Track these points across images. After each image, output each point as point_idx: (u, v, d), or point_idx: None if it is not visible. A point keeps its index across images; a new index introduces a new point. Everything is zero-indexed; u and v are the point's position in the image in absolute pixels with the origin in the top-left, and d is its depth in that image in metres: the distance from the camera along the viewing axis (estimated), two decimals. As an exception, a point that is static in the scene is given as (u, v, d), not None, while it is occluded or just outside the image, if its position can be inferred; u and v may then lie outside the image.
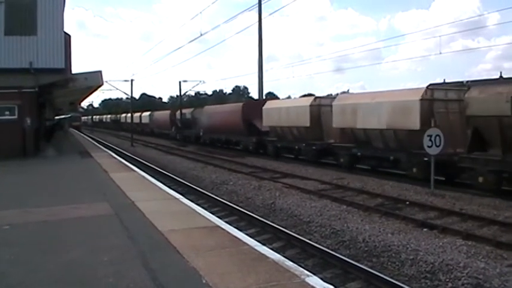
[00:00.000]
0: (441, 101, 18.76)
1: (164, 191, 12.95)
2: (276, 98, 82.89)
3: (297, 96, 74.15)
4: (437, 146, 15.91)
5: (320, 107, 26.24)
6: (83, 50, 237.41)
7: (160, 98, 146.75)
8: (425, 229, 11.68)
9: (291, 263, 6.43)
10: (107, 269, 6.09)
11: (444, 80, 23.68)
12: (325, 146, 25.29)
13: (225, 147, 39.86)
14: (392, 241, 10.51)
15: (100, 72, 26.73)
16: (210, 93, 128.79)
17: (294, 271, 5.94)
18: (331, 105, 24.13)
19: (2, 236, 7.96)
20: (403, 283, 8.03)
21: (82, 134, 66.75)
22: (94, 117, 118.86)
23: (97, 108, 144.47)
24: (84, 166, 19.85)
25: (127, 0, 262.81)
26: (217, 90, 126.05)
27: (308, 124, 26.31)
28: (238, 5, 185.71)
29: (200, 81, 59.66)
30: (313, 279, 5.69)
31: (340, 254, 9.70)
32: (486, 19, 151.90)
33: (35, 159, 22.33)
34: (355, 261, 9.26)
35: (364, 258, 9.82)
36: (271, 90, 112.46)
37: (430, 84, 20.24)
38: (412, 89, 20.47)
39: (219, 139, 40.57)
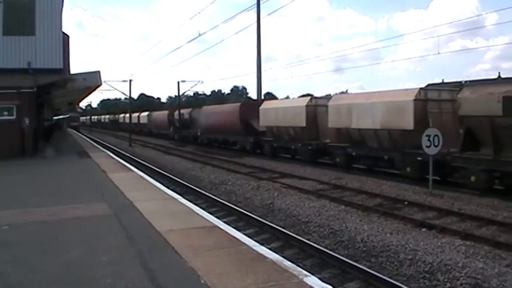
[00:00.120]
0: (435, 101, 18.99)
1: (163, 191, 12.94)
2: (275, 98, 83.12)
3: (296, 96, 74.22)
4: (436, 146, 15.94)
5: (316, 107, 26.52)
6: (81, 50, 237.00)
7: (158, 98, 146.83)
8: (423, 229, 11.69)
9: (290, 263, 6.43)
10: (105, 269, 6.09)
11: (443, 80, 23.73)
12: (321, 145, 25.51)
13: (222, 147, 39.98)
14: (390, 241, 10.51)
15: (98, 72, 26.70)
16: (208, 93, 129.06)
17: (293, 271, 5.94)
18: (327, 106, 24.34)
19: (1, 236, 7.95)
20: (401, 283, 8.03)
21: (80, 134, 66.69)
22: (92, 117, 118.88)
23: (95, 108, 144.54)
24: (83, 166, 19.84)
25: (125, 0, 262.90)
26: (216, 91, 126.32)
27: (304, 124, 26.57)
28: (236, 5, 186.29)
29: (199, 82, 59.54)
30: (312, 279, 5.69)
31: (339, 254, 9.70)
32: (484, 19, 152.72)
33: (33, 159, 22.31)
34: (354, 261, 9.27)
35: (362, 258, 9.82)
36: (270, 91, 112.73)
37: (429, 85, 20.32)
38: (406, 89, 20.69)
39: (216, 139, 40.75)
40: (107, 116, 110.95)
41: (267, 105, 32.63)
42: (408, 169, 18.96)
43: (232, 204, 15.17)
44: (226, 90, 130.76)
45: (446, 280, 8.30)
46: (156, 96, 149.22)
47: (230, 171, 23.76)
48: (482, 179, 15.74)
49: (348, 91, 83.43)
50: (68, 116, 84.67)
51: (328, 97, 28.16)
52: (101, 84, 29.80)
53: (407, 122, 18.73)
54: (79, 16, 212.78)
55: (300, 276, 5.73)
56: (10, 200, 11.44)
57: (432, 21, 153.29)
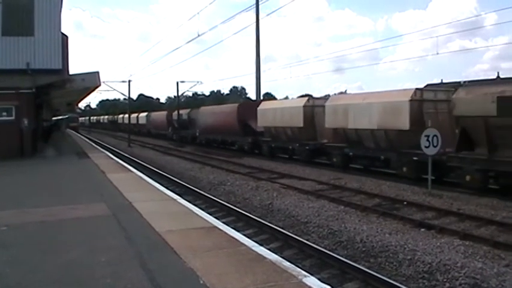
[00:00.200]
0: (430, 102, 19.14)
1: (162, 191, 12.94)
2: (274, 98, 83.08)
3: (295, 96, 74.24)
4: (435, 147, 15.96)
5: (313, 107, 26.68)
6: (80, 50, 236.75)
7: (157, 99, 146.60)
8: (422, 229, 11.70)
9: (289, 263, 6.43)
10: (104, 269, 6.09)
11: (441, 80, 23.75)
12: (319, 146, 25.71)
13: (221, 147, 40.09)
14: (389, 241, 10.52)
15: (97, 73, 26.66)
16: (207, 93, 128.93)
17: (292, 271, 5.94)
18: (324, 106, 24.52)
19: (0, 237, 7.94)
20: (400, 283, 8.03)
21: (79, 135, 66.66)
22: (91, 118, 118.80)
23: (94, 109, 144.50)
24: (82, 167, 19.83)
25: (124, 0, 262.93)
26: (215, 91, 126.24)
27: (301, 124, 26.76)
28: (235, 6, 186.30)
29: (198, 82, 59.74)
30: (311, 280, 5.69)
31: (338, 255, 9.70)
32: (483, 19, 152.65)
33: (32, 160, 22.29)
34: (353, 261, 9.27)
35: (361, 259, 9.82)
36: (269, 91, 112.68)
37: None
38: (402, 89, 20.84)
39: (215, 139, 40.88)
40: (106, 117, 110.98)
41: (264, 105, 32.83)
42: (404, 169, 19.12)
43: (231, 204, 15.16)
44: (226, 90, 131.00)
45: (445, 280, 8.31)
46: (155, 97, 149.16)
47: (229, 172, 23.77)
48: (477, 178, 15.91)
49: (347, 91, 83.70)
50: (66, 116, 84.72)
51: (326, 97, 28.34)
52: (99, 85, 29.76)
53: (403, 122, 18.92)
54: (78, 17, 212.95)
55: (299, 277, 5.73)
56: (9, 200, 11.43)
57: (431, 22, 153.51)
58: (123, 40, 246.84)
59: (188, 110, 50.70)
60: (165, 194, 12.53)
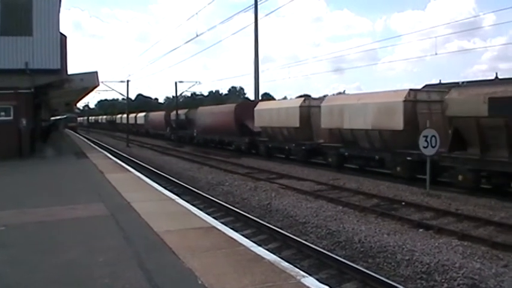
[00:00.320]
0: (424, 102, 19.37)
1: (160, 191, 12.93)
2: (273, 98, 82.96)
3: (294, 97, 74.24)
4: (433, 147, 15.99)
5: (310, 108, 26.97)
6: (78, 50, 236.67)
7: (156, 99, 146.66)
8: (421, 230, 11.71)
9: (287, 263, 6.44)
10: (103, 269, 6.09)
11: (440, 80, 23.83)
12: (315, 146, 25.92)
13: (218, 147, 40.19)
14: (388, 242, 10.53)
15: (96, 73, 26.68)
16: (206, 94, 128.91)
17: (290, 272, 5.94)
18: (320, 107, 24.79)
19: (-2, 237, 7.95)
20: (398, 284, 8.04)
21: (78, 135, 66.60)
22: (90, 118, 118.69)
23: (93, 109, 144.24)
24: (80, 167, 19.82)
25: (123, 0, 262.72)
26: (214, 91, 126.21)
27: (298, 125, 27.03)
28: (234, 6, 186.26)
29: (196, 82, 59.77)
30: (309, 280, 5.69)
31: (336, 255, 9.70)
32: (482, 20, 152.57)
33: (30, 160, 22.26)
34: (351, 261, 9.28)
35: (359, 259, 9.83)
36: (268, 91, 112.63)
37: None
38: (396, 90, 21.01)
39: (212, 139, 41.04)
40: (104, 117, 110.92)
41: (261, 106, 33.08)
42: (398, 169, 19.38)
43: (230, 204, 15.16)
44: (224, 90, 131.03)
45: (443, 281, 8.32)
46: (153, 97, 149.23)
47: (227, 172, 23.78)
48: (469, 178, 16.10)
49: (346, 92, 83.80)
50: (65, 116, 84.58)
51: (322, 98, 28.61)
52: (98, 85, 29.82)
53: (397, 122, 19.19)
54: (77, 16, 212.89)
55: (298, 277, 5.73)
56: (7, 200, 11.42)
57: (430, 22, 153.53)
58: (122, 40, 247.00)
59: (186, 110, 50.81)
60: (164, 194, 12.53)
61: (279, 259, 6.63)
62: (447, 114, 16.72)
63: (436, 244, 10.28)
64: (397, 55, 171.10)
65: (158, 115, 62.60)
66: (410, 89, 19.75)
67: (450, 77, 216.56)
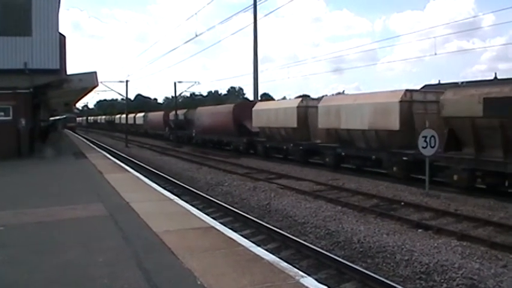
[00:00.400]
0: (420, 103, 19.60)
1: (159, 192, 12.93)
2: (272, 99, 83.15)
3: (293, 97, 74.26)
4: (432, 147, 15.99)
5: (307, 108, 27.10)
6: (78, 50, 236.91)
7: (155, 99, 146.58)
8: (420, 230, 11.71)
9: (286, 264, 6.43)
10: (101, 270, 6.08)
11: (439, 81, 23.92)
12: (312, 146, 26.08)
13: (216, 147, 40.29)
14: (387, 242, 10.53)
15: (95, 73, 26.68)
16: (205, 94, 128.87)
17: (289, 272, 5.94)
18: (317, 107, 25.00)
19: (-3, 237, 7.94)
20: (397, 284, 8.04)
21: (77, 135, 66.57)
22: (89, 118, 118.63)
23: (92, 109, 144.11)
24: (79, 167, 19.81)
25: (122, 1, 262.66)
26: (213, 91, 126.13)
27: (295, 125, 27.20)
28: (233, 6, 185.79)
29: (195, 82, 59.77)
30: (308, 280, 5.69)
31: (335, 255, 9.70)
32: (481, 20, 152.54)
33: (29, 160, 22.25)
34: (350, 262, 9.28)
35: (359, 259, 9.83)
36: (267, 91, 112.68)
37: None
38: (392, 91, 21.16)
39: (210, 139, 41.18)
40: (103, 117, 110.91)
41: (259, 106, 33.25)
42: (394, 168, 19.52)
43: (229, 205, 15.16)
44: (223, 91, 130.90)
45: (442, 281, 8.32)
46: (152, 97, 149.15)
47: (226, 172, 23.78)
48: (464, 177, 16.27)
49: (345, 92, 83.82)
50: (64, 116, 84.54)
51: (320, 99, 28.83)
52: (97, 85, 29.80)
53: (393, 122, 19.36)
54: (76, 17, 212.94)
55: (296, 277, 5.73)
56: (6, 200, 11.41)
57: (429, 22, 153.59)
58: (121, 40, 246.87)
59: (185, 111, 50.87)
60: (163, 194, 12.53)
61: (278, 259, 6.63)
62: (442, 115, 16.84)
63: (435, 244, 10.28)
64: (396, 55, 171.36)
65: (157, 115, 62.62)
66: (407, 90, 19.93)
67: (449, 77, 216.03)
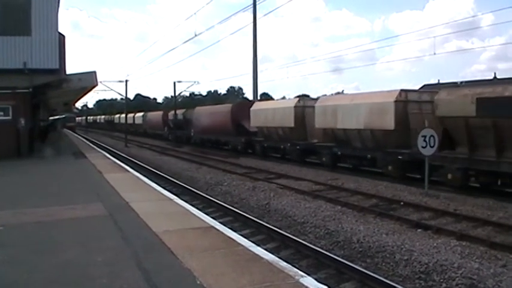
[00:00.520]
0: (415, 103, 19.72)
1: (159, 191, 12.92)
2: (271, 98, 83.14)
3: (292, 96, 74.27)
4: (432, 147, 15.99)
5: (304, 108, 27.30)
6: (77, 50, 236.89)
7: (154, 99, 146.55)
8: (419, 230, 11.71)
9: (285, 263, 6.43)
10: (101, 269, 6.08)
11: (438, 80, 23.93)
12: (309, 145, 26.32)
13: (215, 147, 40.41)
14: (386, 242, 10.53)
15: (94, 72, 26.68)
16: (204, 93, 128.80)
17: (288, 272, 5.94)
18: (314, 107, 25.21)
19: (-4, 237, 7.93)
20: (397, 283, 8.04)
21: (76, 135, 66.54)
22: (88, 117, 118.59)
23: (91, 108, 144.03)
24: (79, 167, 19.80)
25: (122, 0, 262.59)
26: (212, 91, 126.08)
27: (292, 125, 27.40)
28: (232, 6, 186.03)
29: (195, 82, 60.02)
30: (308, 280, 5.69)
31: (335, 255, 9.70)
32: (480, 20, 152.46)
33: (29, 159, 22.25)
34: (350, 261, 9.27)
35: (358, 259, 9.83)
36: (266, 91, 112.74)
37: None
38: (388, 91, 21.25)
39: (209, 139, 41.36)
40: (103, 117, 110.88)
41: (257, 106, 33.45)
42: (390, 168, 19.73)
43: (228, 204, 15.16)
44: (223, 90, 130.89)
45: (442, 280, 8.32)
46: (152, 97, 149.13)
47: (226, 172, 23.78)
48: (458, 177, 16.50)
49: (344, 91, 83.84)
50: (63, 116, 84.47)
51: (317, 98, 28.89)
52: (96, 85, 29.81)
53: (389, 122, 19.55)
54: (75, 16, 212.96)
55: (296, 277, 5.73)
56: (5, 200, 11.41)
57: (428, 22, 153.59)
58: (121, 40, 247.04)
59: (183, 110, 50.92)
60: (162, 194, 12.52)
61: (277, 259, 6.63)
62: (437, 115, 16.99)
63: (435, 244, 10.29)
64: (395, 55, 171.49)
65: (156, 115, 62.66)
66: (402, 90, 20.07)
67: (449, 77, 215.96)
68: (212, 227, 8.52)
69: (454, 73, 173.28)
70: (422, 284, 8.37)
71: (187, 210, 10.16)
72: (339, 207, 14.52)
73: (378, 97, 20.94)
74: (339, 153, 23.19)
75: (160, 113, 61.32)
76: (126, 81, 49.63)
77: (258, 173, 23.11)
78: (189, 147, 42.93)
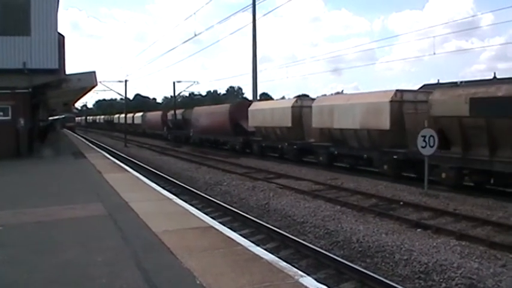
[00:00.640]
0: (410, 103, 19.94)
1: (158, 191, 12.92)
2: (271, 98, 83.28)
3: (291, 96, 74.29)
4: (431, 147, 16.00)
5: (301, 108, 27.50)
6: (76, 50, 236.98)
7: (154, 99, 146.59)
8: (419, 229, 11.71)
9: (285, 263, 6.43)
10: (101, 269, 6.08)
11: (438, 80, 23.96)
12: (306, 145, 26.53)
13: (213, 146, 40.52)
14: (386, 241, 10.53)
15: (94, 72, 26.68)
16: (204, 93, 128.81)
17: (288, 272, 5.94)
18: (311, 107, 25.43)
19: (-4, 237, 7.93)
20: (397, 283, 8.04)
21: (76, 135, 66.51)
22: (88, 118, 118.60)
23: (91, 108, 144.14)
24: (78, 167, 19.79)
25: (121, 0, 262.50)
26: (212, 91, 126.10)
27: (290, 124, 27.62)
28: (232, 6, 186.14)
29: (194, 82, 59.99)
30: (307, 280, 5.69)
31: (334, 255, 9.70)
32: (480, 20, 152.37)
33: (28, 160, 22.24)
34: (349, 261, 9.27)
35: (358, 259, 9.83)
36: (266, 91, 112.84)
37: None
38: (383, 91, 21.43)
39: (207, 139, 41.56)
40: (102, 117, 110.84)
41: (255, 106, 33.63)
42: (385, 167, 19.98)
43: (228, 204, 15.15)
44: (222, 90, 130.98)
45: (441, 280, 8.32)
46: (151, 97, 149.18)
47: (225, 172, 23.77)
48: (452, 176, 16.72)
49: (344, 91, 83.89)
50: (63, 116, 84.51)
51: (315, 99, 29.09)
52: (96, 85, 29.81)
53: (384, 122, 19.79)
54: (74, 16, 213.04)
55: (296, 277, 5.73)
56: (5, 200, 11.40)
57: (427, 22, 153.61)
58: (120, 40, 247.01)
59: (182, 110, 51.00)
60: (162, 194, 12.52)
61: (277, 259, 6.63)
62: (431, 115, 17.14)
63: (434, 244, 10.29)
64: (395, 55, 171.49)
65: (155, 115, 62.68)
66: (397, 90, 20.26)
67: (449, 76, 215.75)
68: (211, 226, 8.52)
69: (453, 73, 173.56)
70: (422, 283, 8.37)
71: (187, 210, 10.16)
72: (339, 207, 14.52)
73: (373, 97, 21.17)
74: (336, 152, 23.44)
75: (159, 113, 61.35)
76: (126, 81, 49.67)
77: (258, 173, 23.11)
78: (189, 147, 42.94)
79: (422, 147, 16.06)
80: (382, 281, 8.07)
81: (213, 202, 15.55)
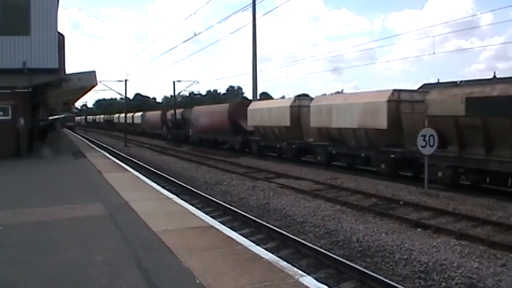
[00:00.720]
0: (407, 102, 20.07)
1: (158, 191, 12.91)
2: (271, 98, 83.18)
3: (291, 96, 74.27)
4: (431, 146, 16.01)
5: (300, 107, 27.61)
6: (76, 50, 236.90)
7: (154, 98, 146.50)
8: (419, 229, 11.72)
9: (285, 263, 6.42)
10: (100, 269, 6.08)
11: (438, 80, 23.96)
12: (304, 144, 26.65)
13: (212, 146, 40.62)
14: (386, 241, 10.54)
15: (94, 72, 26.67)
16: (204, 93, 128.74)
17: (288, 271, 5.94)
18: (309, 106, 25.54)
19: (-4, 236, 7.93)
20: (397, 283, 8.04)
21: (76, 134, 66.51)
22: (88, 117, 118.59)
23: (91, 108, 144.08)
24: (78, 166, 19.79)
25: (121, 0, 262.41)
26: (212, 91, 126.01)
27: (288, 124, 27.74)
28: (232, 6, 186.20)
29: (194, 82, 59.85)
30: (307, 279, 5.69)
31: (334, 254, 9.71)
32: (479, 19, 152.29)
33: (28, 159, 22.22)
34: (349, 261, 9.28)
35: (358, 258, 9.83)
36: (266, 91, 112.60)
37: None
38: (381, 91, 21.57)
39: (207, 138, 41.75)
40: (102, 116, 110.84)
41: (254, 105, 33.74)
42: (383, 166, 20.16)
43: (228, 204, 15.15)
44: (222, 90, 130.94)
45: (441, 280, 8.33)
46: (151, 96, 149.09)
47: (225, 171, 23.78)
48: (448, 174, 16.84)
49: (344, 91, 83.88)
50: (63, 116, 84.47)
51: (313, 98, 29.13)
52: (96, 84, 29.79)
53: (382, 122, 19.97)
54: (74, 16, 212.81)
55: (296, 276, 5.73)
56: (5, 200, 11.39)
57: (427, 21, 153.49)
58: (120, 40, 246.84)
59: (181, 110, 51.06)
60: (162, 193, 12.51)
61: (277, 258, 6.63)
62: (428, 114, 17.27)
63: (434, 243, 10.30)
64: (394, 54, 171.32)
65: (155, 114, 62.72)
66: (394, 90, 20.38)
67: (448, 76, 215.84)
68: (211, 226, 8.51)
69: (453, 72, 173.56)
70: (422, 283, 8.38)
71: (187, 210, 10.16)
72: (339, 206, 14.53)
73: (371, 97, 21.30)
74: (334, 152, 23.60)
75: (158, 112, 61.40)
76: (126, 80, 49.69)
77: (258, 173, 23.11)
78: (188, 147, 42.97)
79: (422, 146, 16.06)
80: (382, 280, 8.08)
81: (213, 202, 15.55)
